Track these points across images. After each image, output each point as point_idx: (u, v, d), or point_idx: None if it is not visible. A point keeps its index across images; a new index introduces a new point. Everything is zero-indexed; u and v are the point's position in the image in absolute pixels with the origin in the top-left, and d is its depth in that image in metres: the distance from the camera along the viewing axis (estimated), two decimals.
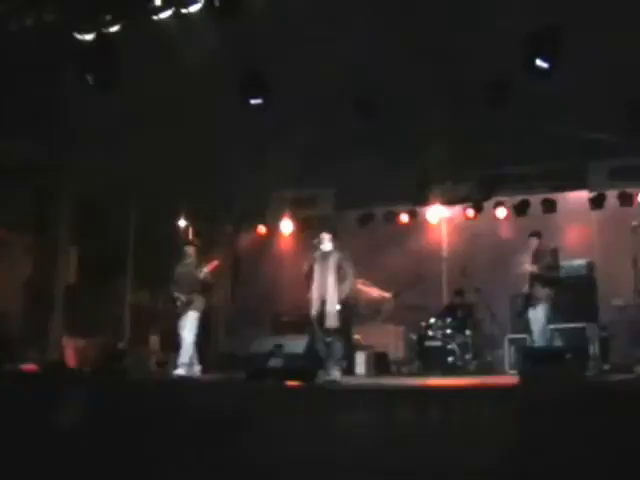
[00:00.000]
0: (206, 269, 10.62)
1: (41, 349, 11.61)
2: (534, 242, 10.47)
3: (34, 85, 9.64)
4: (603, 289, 11.85)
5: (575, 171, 12.58)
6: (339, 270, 10.04)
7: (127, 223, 13.83)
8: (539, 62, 9.09)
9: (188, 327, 10.49)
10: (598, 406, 6.80)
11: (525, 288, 10.41)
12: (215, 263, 10.85)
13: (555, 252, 10.32)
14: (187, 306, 10.52)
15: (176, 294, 10.62)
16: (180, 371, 10.34)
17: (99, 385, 8.33)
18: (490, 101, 10.11)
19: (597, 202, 12.82)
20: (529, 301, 10.28)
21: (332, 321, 9.87)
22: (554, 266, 10.37)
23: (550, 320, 10.17)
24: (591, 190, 12.80)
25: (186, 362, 10.37)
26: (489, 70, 9.85)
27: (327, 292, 9.96)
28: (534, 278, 10.21)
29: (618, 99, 10.30)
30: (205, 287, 10.68)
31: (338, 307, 9.90)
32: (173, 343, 10.85)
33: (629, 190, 12.48)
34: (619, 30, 9.15)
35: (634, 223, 9.94)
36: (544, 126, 11.33)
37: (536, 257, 10.32)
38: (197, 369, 10.65)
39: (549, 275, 10.22)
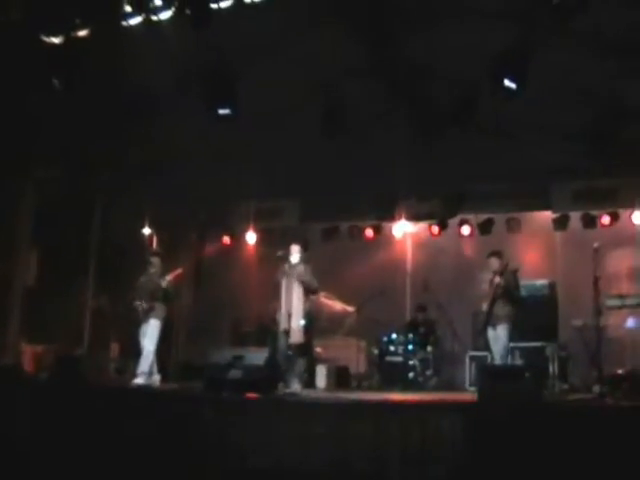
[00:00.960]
0: (169, 277, 10.56)
1: None
2: (494, 261, 10.49)
3: None
4: (564, 309, 11.95)
5: (539, 192, 12.68)
6: (302, 283, 10.01)
7: (90, 226, 13.66)
8: (507, 82, 9.15)
9: (149, 335, 10.40)
10: (555, 424, 6.85)
11: (484, 306, 10.44)
12: (178, 272, 10.80)
13: (515, 271, 10.34)
14: (148, 314, 10.44)
15: (137, 302, 10.55)
16: (139, 380, 10.22)
17: (51, 391, 8.22)
18: (456, 118, 10.16)
19: (561, 223, 12.92)
20: (489, 319, 10.30)
21: (296, 336, 9.83)
22: (515, 285, 10.41)
23: (511, 339, 10.20)
24: (555, 211, 12.90)
25: (145, 371, 10.27)
26: (455, 88, 9.92)
27: (292, 306, 9.92)
28: (495, 297, 10.25)
29: (583, 121, 10.43)
30: (167, 296, 10.61)
31: (302, 322, 9.87)
32: (133, 350, 10.75)
33: (592, 212, 12.59)
34: (584, 52, 9.28)
35: (595, 245, 10.00)
36: (509, 145, 11.44)
37: (496, 276, 10.35)
38: (156, 378, 10.55)
39: (510, 294, 10.27)
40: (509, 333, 10.09)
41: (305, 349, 10.10)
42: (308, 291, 10.00)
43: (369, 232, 14.22)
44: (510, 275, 10.25)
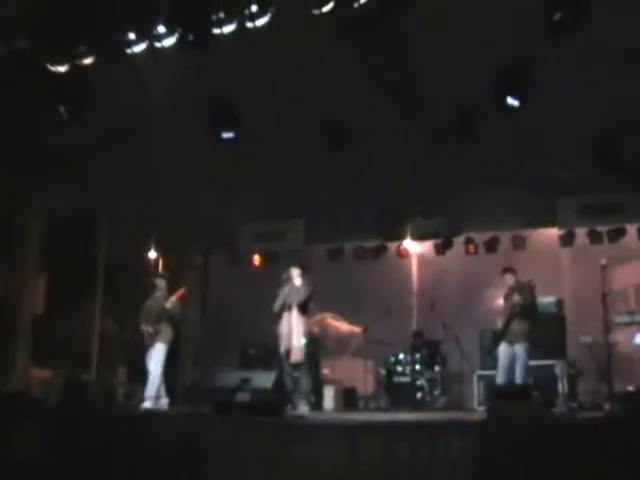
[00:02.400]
0: (173, 298, 10.59)
1: (6, 379, 11.44)
2: (509, 277, 10.45)
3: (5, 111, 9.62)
4: (572, 326, 11.92)
5: (545, 208, 12.67)
6: (305, 305, 10.11)
7: (97, 251, 13.70)
8: (510, 100, 9.17)
9: (155, 359, 10.41)
10: (565, 442, 6.81)
11: (498, 324, 10.39)
12: (182, 292, 10.82)
13: (533, 288, 10.27)
14: (154, 337, 10.45)
15: (143, 325, 10.58)
16: (147, 404, 10.23)
17: (60, 417, 8.21)
18: (460, 135, 10.18)
19: (567, 239, 12.91)
20: (502, 337, 10.23)
21: (297, 355, 9.89)
22: (532, 302, 10.36)
23: (530, 357, 10.11)
24: (561, 227, 12.88)
25: (153, 395, 10.28)
26: (459, 104, 9.93)
27: (292, 327, 9.99)
28: (513, 314, 10.20)
29: (587, 136, 10.42)
30: (172, 317, 10.61)
31: (303, 341, 9.92)
32: (140, 374, 10.75)
33: (599, 228, 12.57)
34: (588, 68, 9.29)
35: (603, 261, 9.97)
36: (514, 162, 11.45)
37: (513, 293, 10.30)
38: (164, 402, 10.54)
39: (529, 311, 10.22)
40: (528, 351, 10.03)
41: (310, 368, 10.12)
42: (302, 309, 10.09)
43: (374, 252, 14.22)
44: (529, 291, 10.19)
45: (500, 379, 10.03)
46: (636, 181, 11.53)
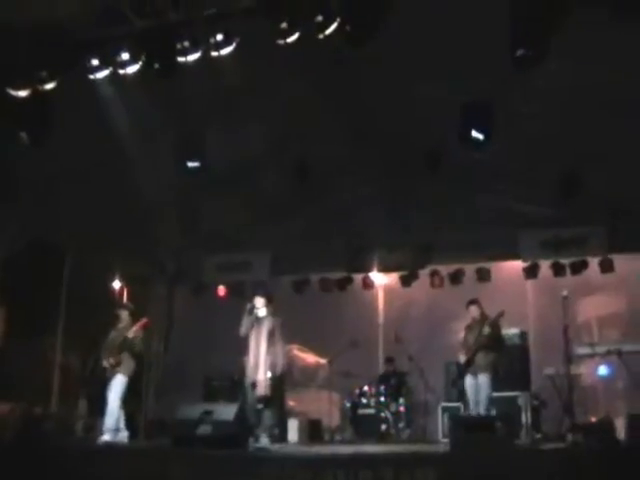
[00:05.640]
0: (134, 328, 10.47)
1: None
2: (474, 309, 10.51)
3: None
4: (535, 358, 11.93)
5: (508, 241, 12.71)
6: (271, 337, 10.03)
7: (59, 284, 13.52)
8: (474, 133, 9.25)
9: (114, 391, 10.26)
10: (528, 473, 6.79)
11: (461, 356, 10.42)
12: (143, 322, 10.70)
13: (497, 320, 10.34)
14: (115, 368, 10.31)
15: (105, 357, 10.43)
16: (106, 437, 10.04)
17: (15, 452, 8.03)
18: (425, 169, 10.26)
19: (531, 272, 12.93)
20: (468, 368, 10.26)
21: (263, 389, 9.81)
22: (498, 333, 10.41)
23: (493, 388, 10.16)
24: (524, 260, 12.94)
25: (112, 427, 10.09)
26: (424, 139, 10.01)
27: (260, 359, 9.93)
28: (479, 345, 10.21)
29: (551, 171, 10.54)
30: (134, 348, 10.46)
31: (270, 375, 9.86)
32: (101, 408, 10.57)
33: (562, 261, 12.64)
34: (552, 104, 9.42)
35: (564, 293, 10.05)
36: (477, 196, 11.54)
37: (478, 325, 10.36)
38: (124, 435, 10.36)
39: (496, 343, 10.26)
40: (491, 382, 10.07)
41: (274, 401, 10.03)
42: (275, 345, 10.02)
43: (340, 283, 14.17)
44: (496, 323, 10.26)
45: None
46: (597, 215, 11.65)
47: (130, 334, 10.41)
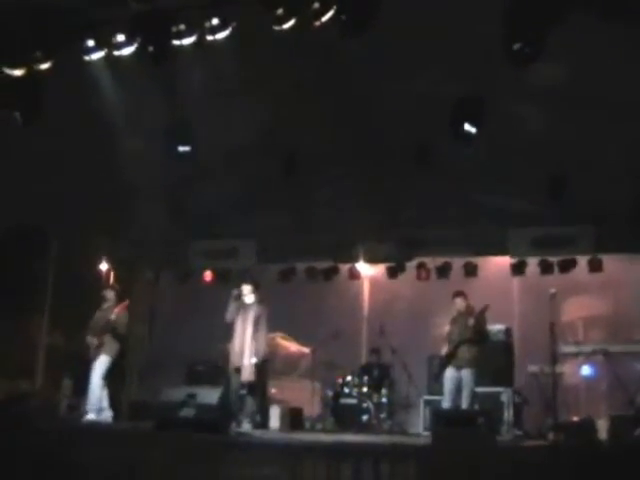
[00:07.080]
0: (117, 310, 10.49)
1: None
2: (459, 302, 10.49)
3: None
4: (520, 355, 11.94)
5: (497, 237, 12.73)
6: (257, 324, 10.07)
7: (46, 262, 13.47)
8: (467, 127, 9.25)
9: (97, 370, 10.31)
10: (509, 470, 6.82)
11: (444, 350, 10.42)
12: (125, 303, 10.71)
13: (483, 313, 10.31)
14: (98, 348, 10.33)
15: (89, 338, 10.46)
16: (91, 416, 10.15)
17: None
18: (415, 162, 10.26)
19: (518, 269, 12.96)
20: (449, 361, 10.26)
21: (248, 374, 9.84)
22: (483, 327, 10.40)
23: (475, 383, 10.16)
24: (512, 256, 12.95)
25: (95, 406, 10.15)
26: (414, 133, 10.01)
27: (245, 345, 9.96)
28: (463, 339, 10.22)
29: (541, 170, 10.55)
30: (116, 329, 10.47)
31: (254, 360, 9.89)
32: (86, 388, 10.60)
33: (550, 258, 12.67)
34: (543, 104, 9.44)
35: (552, 291, 10.05)
36: (467, 191, 11.54)
37: (463, 317, 10.35)
38: (108, 414, 10.44)
39: (481, 336, 10.26)
40: (474, 377, 10.08)
41: (257, 388, 10.06)
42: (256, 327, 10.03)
43: (326, 273, 14.16)
44: (482, 316, 10.24)
45: (446, 404, 10.06)
46: (586, 214, 11.67)
47: (112, 316, 10.43)
